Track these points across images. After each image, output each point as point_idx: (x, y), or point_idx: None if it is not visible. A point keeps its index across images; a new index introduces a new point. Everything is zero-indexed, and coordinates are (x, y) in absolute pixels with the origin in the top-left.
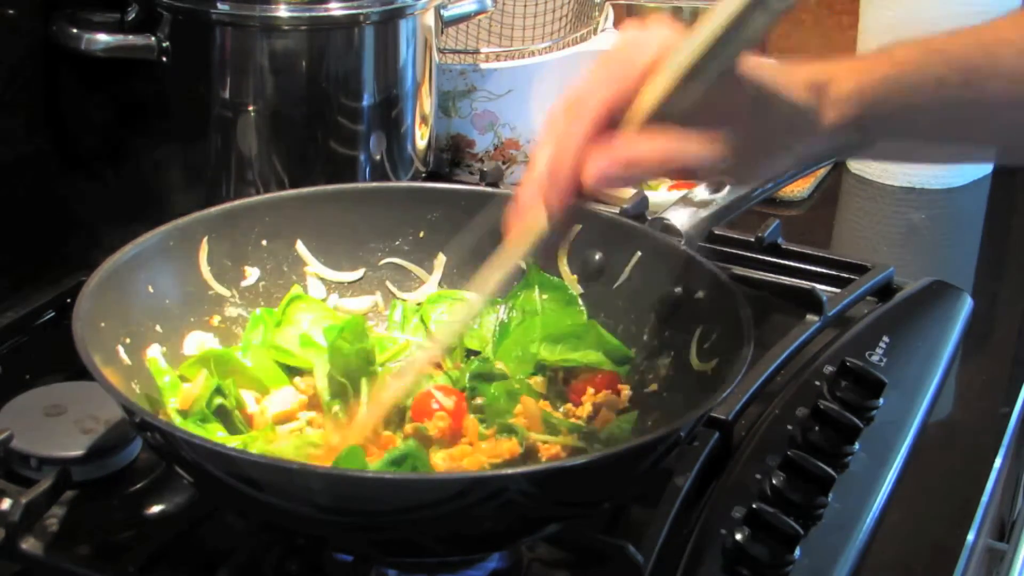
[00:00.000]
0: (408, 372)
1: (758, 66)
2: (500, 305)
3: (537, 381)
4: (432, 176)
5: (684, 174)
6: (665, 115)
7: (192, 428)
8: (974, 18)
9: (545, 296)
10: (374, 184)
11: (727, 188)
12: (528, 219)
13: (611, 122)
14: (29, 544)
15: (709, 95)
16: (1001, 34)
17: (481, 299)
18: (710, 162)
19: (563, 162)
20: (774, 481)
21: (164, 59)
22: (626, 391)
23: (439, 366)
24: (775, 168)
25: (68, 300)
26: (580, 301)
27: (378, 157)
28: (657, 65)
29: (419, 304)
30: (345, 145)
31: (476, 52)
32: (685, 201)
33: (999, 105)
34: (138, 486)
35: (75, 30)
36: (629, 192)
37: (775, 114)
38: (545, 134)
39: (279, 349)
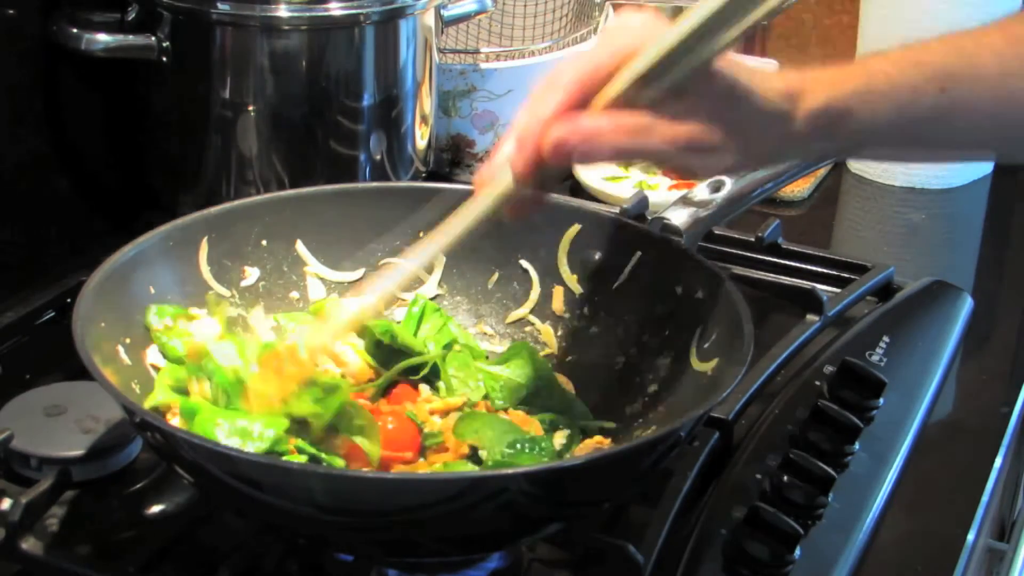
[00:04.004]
0: (370, 298)
1: (736, 65)
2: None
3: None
4: (432, 176)
5: (645, 157)
6: (635, 100)
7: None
8: (976, 16)
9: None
10: (374, 184)
11: (727, 188)
12: (495, 178)
13: (585, 96)
14: (29, 544)
15: (681, 85)
16: (984, 40)
17: (439, 247)
18: (674, 149)
19: (530, 129)
20: (774, 481)
21: (164, 59)
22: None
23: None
24: (743, 164)
25: (68, 300)
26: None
27: (378, 157)
28: (636, 47)
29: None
30: (345, 145)
31: (476, 52)
32: (685, 201)
33: (977, 112)
34: (138, 486)
35: (75, 30)
36: (630, 192)
37: (745, 112)
38: (528, 100)
39: None
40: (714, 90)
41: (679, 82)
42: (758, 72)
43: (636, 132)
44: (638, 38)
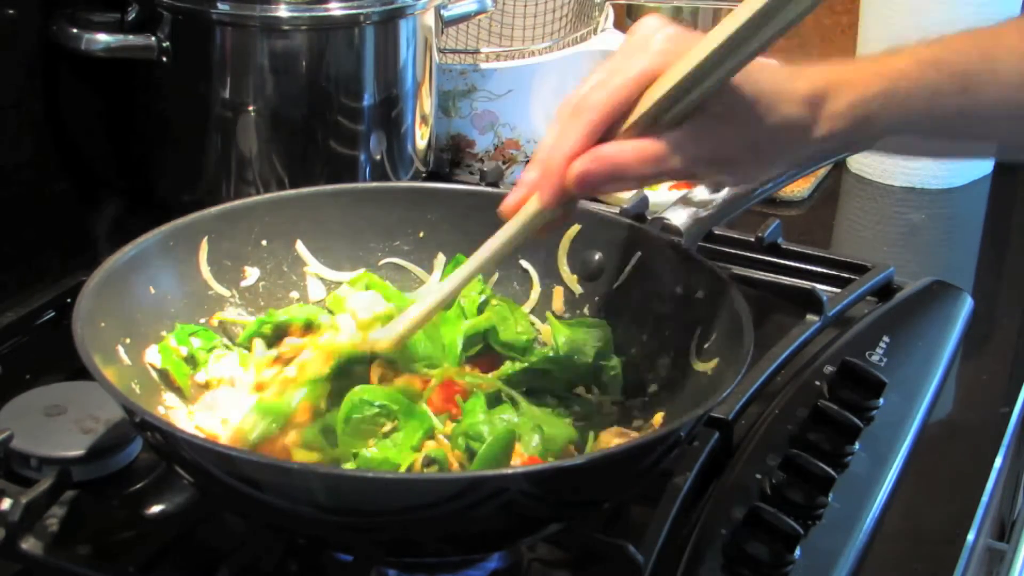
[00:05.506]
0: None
1: (756, 72)
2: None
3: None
4: (432, 176)
5: (670, 178)
6: (658, 121)
7: None
8: (975, 17)
9: None
10: (374, 184)
11: (727, 188)
12: (523, 205)
13: (610, 124)
14: (29, 544)
15: (705, 100)
16: (1003, 40)
17: (472, 268)
18: (697, 168)
19: (555, 160)
20: (774, 481)
21: (164, 59)
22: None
23: None
24: (764, 173)
25: (68, 300)
26: None
27: (378, 157)
28: (661, 70)
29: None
30: (345, 145)
31: (476, 52)
32: (685, 201)
33: (996, 111)
34: (138, 486)
35: (75, 30)
36: (630, 192)
37: (768, 123)
38: (549, 129)
39: None
40: (737, 103)
41: (703, 98)
42: (776, 75)
43: (660, 159)
44: (662, 58)
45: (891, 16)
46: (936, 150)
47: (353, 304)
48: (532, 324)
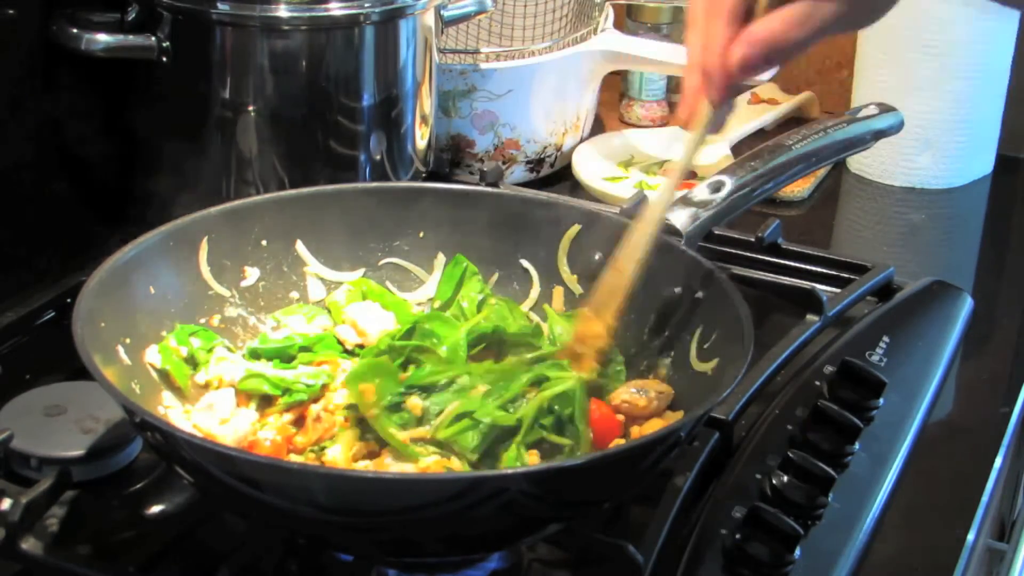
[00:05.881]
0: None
1: None
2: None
3: None
4: (432, 176)
5: (820, 36)
6: None
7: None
8: (973, 18)
9: None
10: (374, 184)
11: (727, 188)
12: (695, 112)
13: (748, 7)
14: (29, 544)
15: None
16: None
17: (673, 181)
18: (840, 15)
19: (712, 60)
20: (774, 481)
21: (164, 59)
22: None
23: None
24: (888, 7)
25: (68, 300)
26: None
27: (378, 157)
28: None
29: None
30: (345, 145)
31: (476, 52)
32: (685, 201)
33: None
34: (138, 486)
35: (75, 30)
36: (629, 192)
37: None
38: (690, 33)
39: None
40: None
41: None
42: None
43: (807, 19)
44: None
45: (891, 16)
46: None
47: (353, 315)
48: (532, 322)
